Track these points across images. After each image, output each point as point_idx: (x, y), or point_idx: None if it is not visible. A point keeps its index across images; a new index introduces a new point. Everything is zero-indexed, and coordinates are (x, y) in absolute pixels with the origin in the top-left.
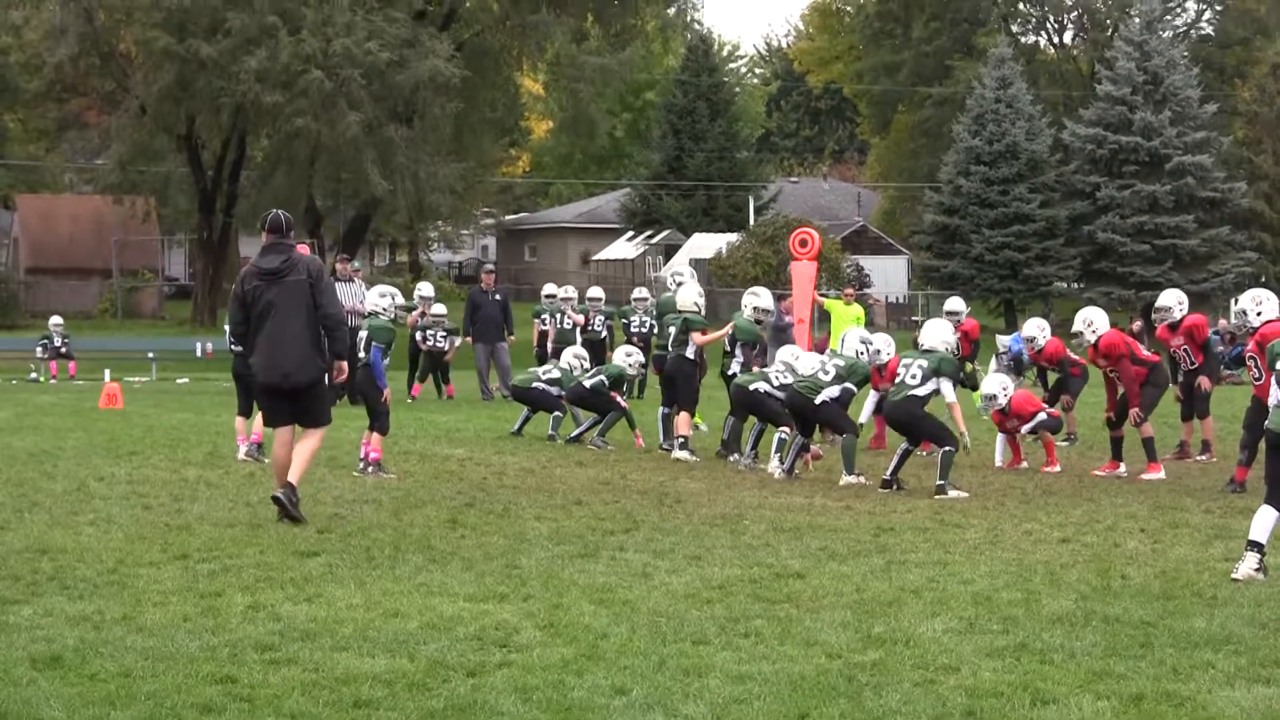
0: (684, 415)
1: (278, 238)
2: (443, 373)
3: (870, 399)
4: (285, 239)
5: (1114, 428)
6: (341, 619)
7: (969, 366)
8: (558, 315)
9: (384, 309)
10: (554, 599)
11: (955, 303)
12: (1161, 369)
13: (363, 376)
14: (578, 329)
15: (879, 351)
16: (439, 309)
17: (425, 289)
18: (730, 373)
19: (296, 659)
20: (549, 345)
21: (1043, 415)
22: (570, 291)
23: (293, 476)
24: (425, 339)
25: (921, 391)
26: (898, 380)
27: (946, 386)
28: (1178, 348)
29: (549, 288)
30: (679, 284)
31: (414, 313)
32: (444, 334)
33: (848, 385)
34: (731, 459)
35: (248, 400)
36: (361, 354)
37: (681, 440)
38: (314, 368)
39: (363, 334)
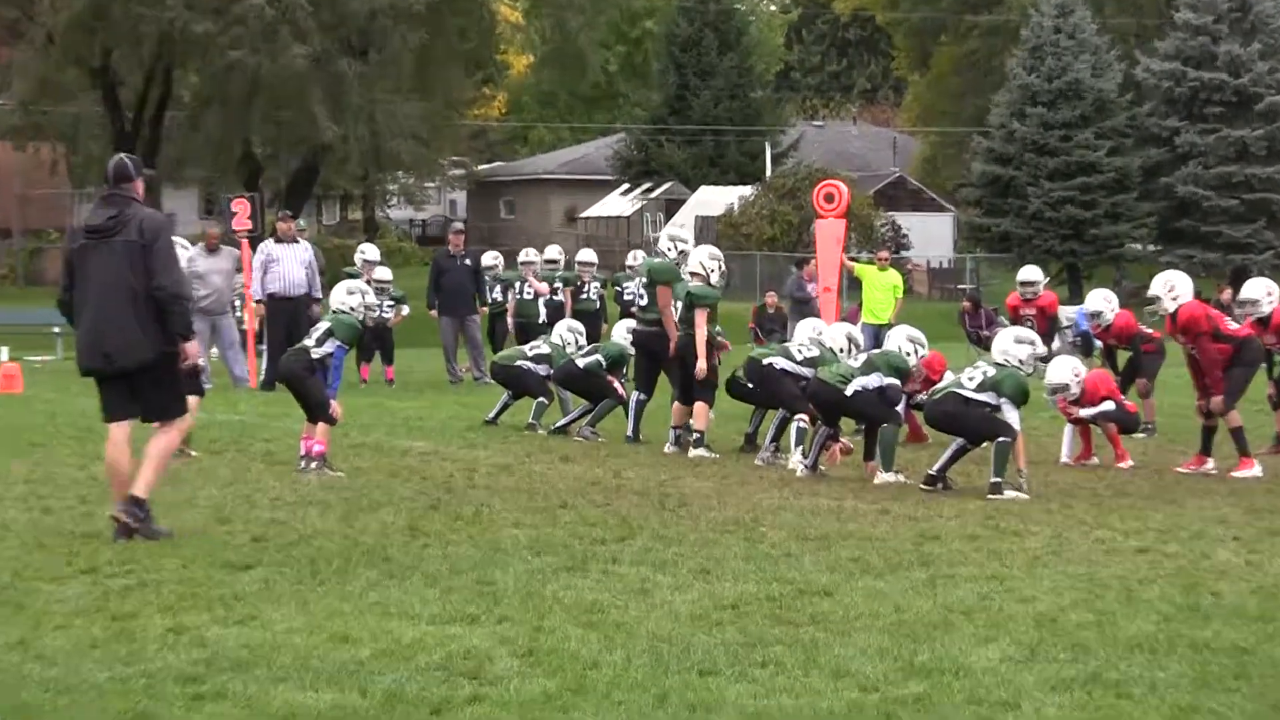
0: (701, 406)
1: (118, 187)
2: (385, 350)
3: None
4: (122, 189)
5: (1207, 416)
6: (280, 645)
7: (1045, 349)
8: (499, 286)
9: (352, 308)
10: (534, 621)
11: (1031, 271)
12: (1253, 344)
13: (293, 362)
14: (540, 300)
15: (924, 356)
16: (383, 273)
17: (369, 251)
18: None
19: (226, 692)
20: (509, 320)
21: (1109, 405)
22: (532, 255)
23: (138, 488)
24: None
25: (974, 395)
26: (950, 379)
27: (1010, 410)
28: (1273, 345)
29: (527, 253)
30: (681, 252)
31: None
32: (389, 302)
33: (893, 381)
34: (760, 457)
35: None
36: (315, 347)
37: (698, 436)
38: (144, 349)
39: (322, 325)
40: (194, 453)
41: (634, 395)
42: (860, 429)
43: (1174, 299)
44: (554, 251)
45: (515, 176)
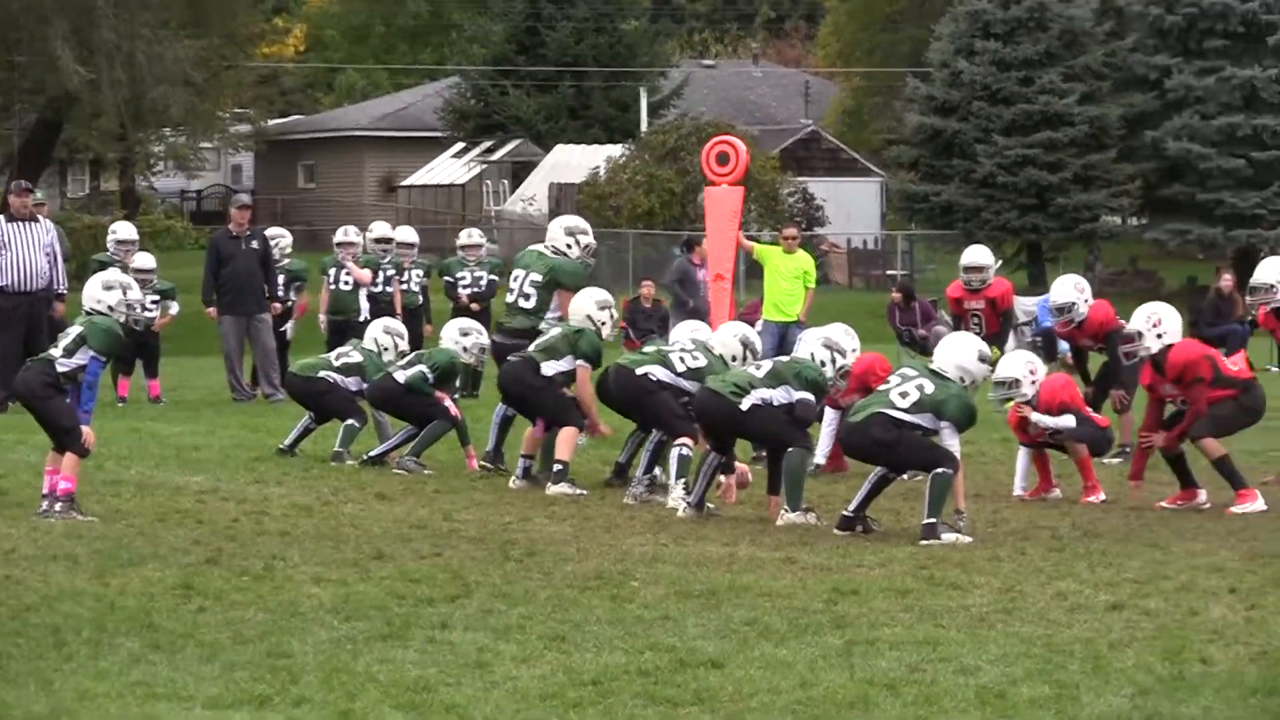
0: (568, 431)
1: None
2: (148, 360)
3: (829, 421)
4: None
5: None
6: None
7: (994, 352)
8: (332, 272)
9: (110, 307)
10: (341, 703)
11: (978, 254)
12: (1257, 392)
13: (33, 377)
14: (362, 292)
15: (845, 369)
16: (144, 260)
17: (122, 230)
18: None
19: None
20: (322, 318)
21: (1069, 420)
22: (353, 234)
23: None
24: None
25: (907, 418)
26: (877, 392)
27: (951, 437)
28: None
29: (346, 232)
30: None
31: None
32: (153, 297)
33: (805, 396)
34: (630, 492)
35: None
36: (62, 358)
37: (560, 466)
38: None
39: (72, 330)
40: None
41: (498, 408)
42: (761, 454)
43: (1159, 336)
44: (383, 229)
45: (317, 134)
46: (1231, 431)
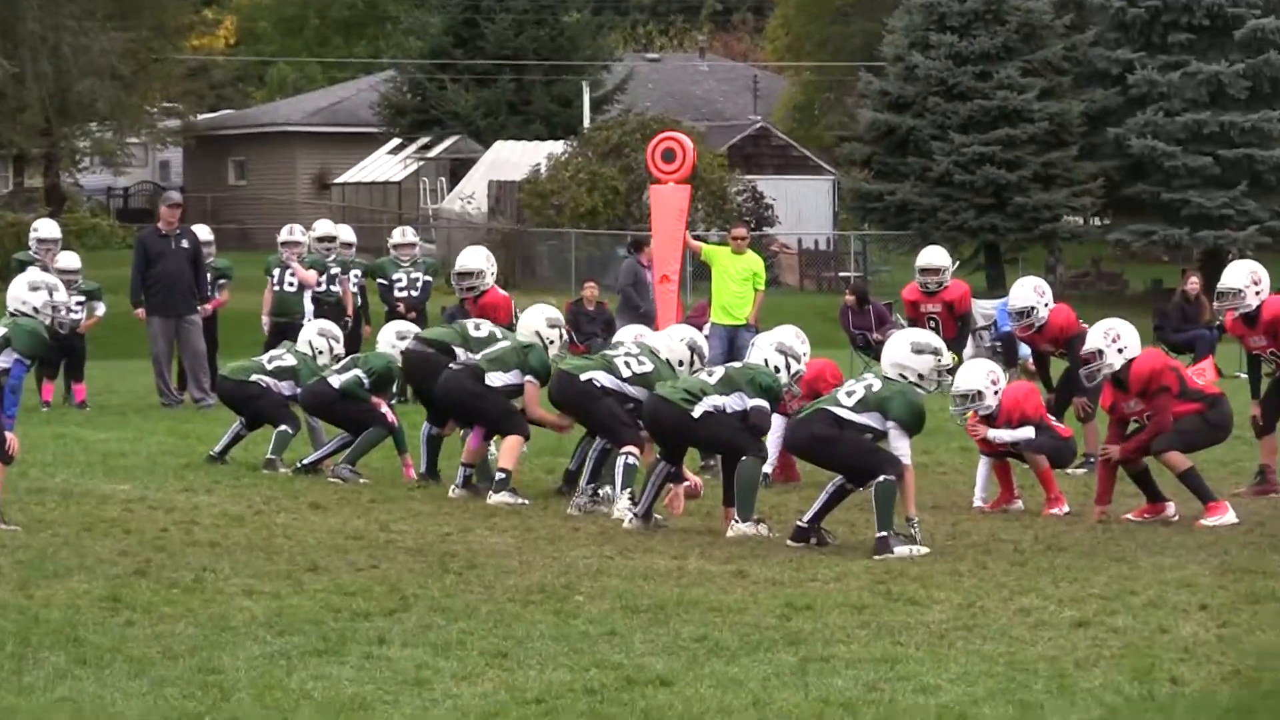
0: (512, 440)
1: None
2: (73, 363)
3: (776, 429)
4: None
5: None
6: None
7: (953, 358)
8: (276, 272)
9: (35, 309)
10: None
11: (935, 255)
12: (1223, 408)
13: None
14: (307, 293)
15: (799, 374)
16: (69, 260)
17: (44, 228)
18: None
19: None
20: (265, 319)
21: (1028, 431)
22: (298, 233)
23: None
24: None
25: (851, 417)
26: (827, 395)
27: (899, 439)
28: (1261, 349)
29: (291, 230)
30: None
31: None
32: (78, 298)
33: (759, 403)
34: (574, 503)
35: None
36: None
37: (503, 475)
38: None
39: None
40: None
41: (424, 427)
42: (712, 463)
43: (1120, 351)
44: (326, 227)
45: (249, 129)
46: (1197, 448)
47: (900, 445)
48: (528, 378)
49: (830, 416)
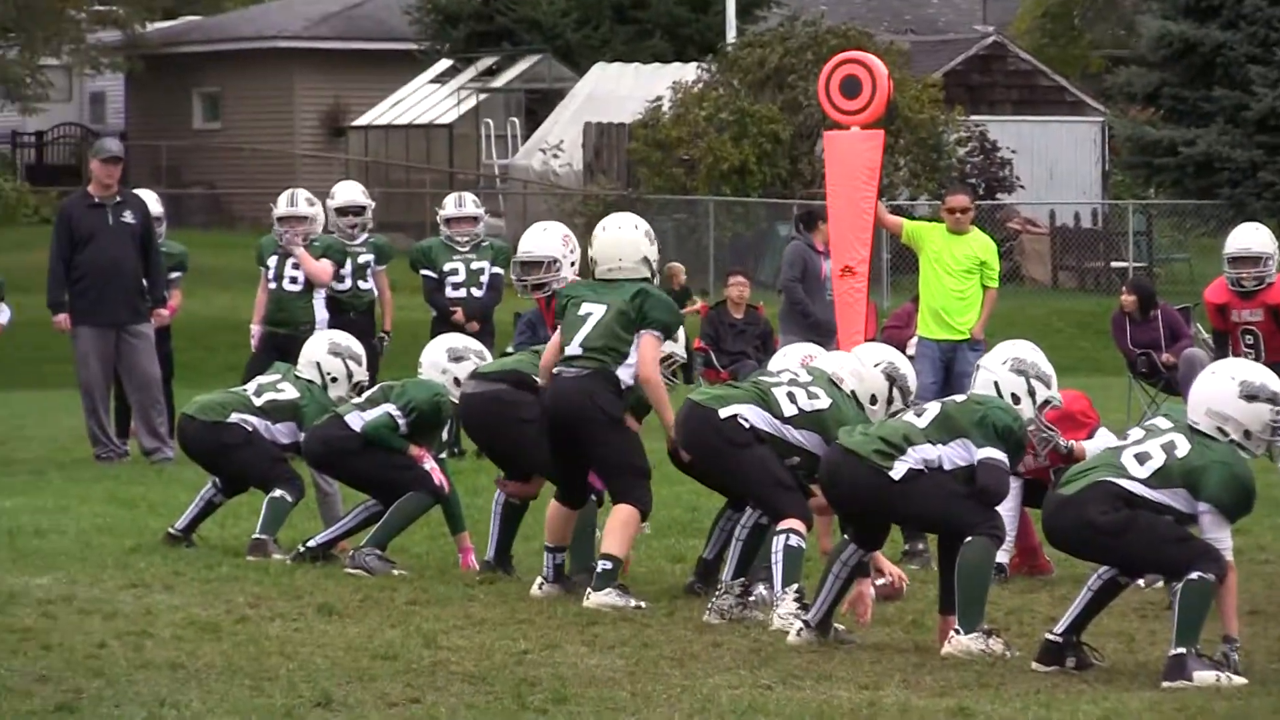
0: (624, 512)
1: None
2: None
3: (1013, 495)
4: None
5: None
6: None
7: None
8: (272, 261)
9: None
10: None
11: (1251, 237)
12: None
13: None
14: (318, 293)
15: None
16: None
17: None
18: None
19: None
20: (255, 328)
21: None
22: (302, 204)
23: None
24: None
25: (1145, 493)
26: (1095, 453)
27: (1217, 527)
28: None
29: (295, 199)
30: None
31: None
32: None
33: (991, 454)
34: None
35: None
36: None
37: (608, 565)
38: None
39: None
40: None
41: (498, 496)
42: (921, 548)
43: None
44: (351, 193)
45: (223, 45)
46: None
47: (1218, 535)
48: (647, 330)
49: (1114, 492)
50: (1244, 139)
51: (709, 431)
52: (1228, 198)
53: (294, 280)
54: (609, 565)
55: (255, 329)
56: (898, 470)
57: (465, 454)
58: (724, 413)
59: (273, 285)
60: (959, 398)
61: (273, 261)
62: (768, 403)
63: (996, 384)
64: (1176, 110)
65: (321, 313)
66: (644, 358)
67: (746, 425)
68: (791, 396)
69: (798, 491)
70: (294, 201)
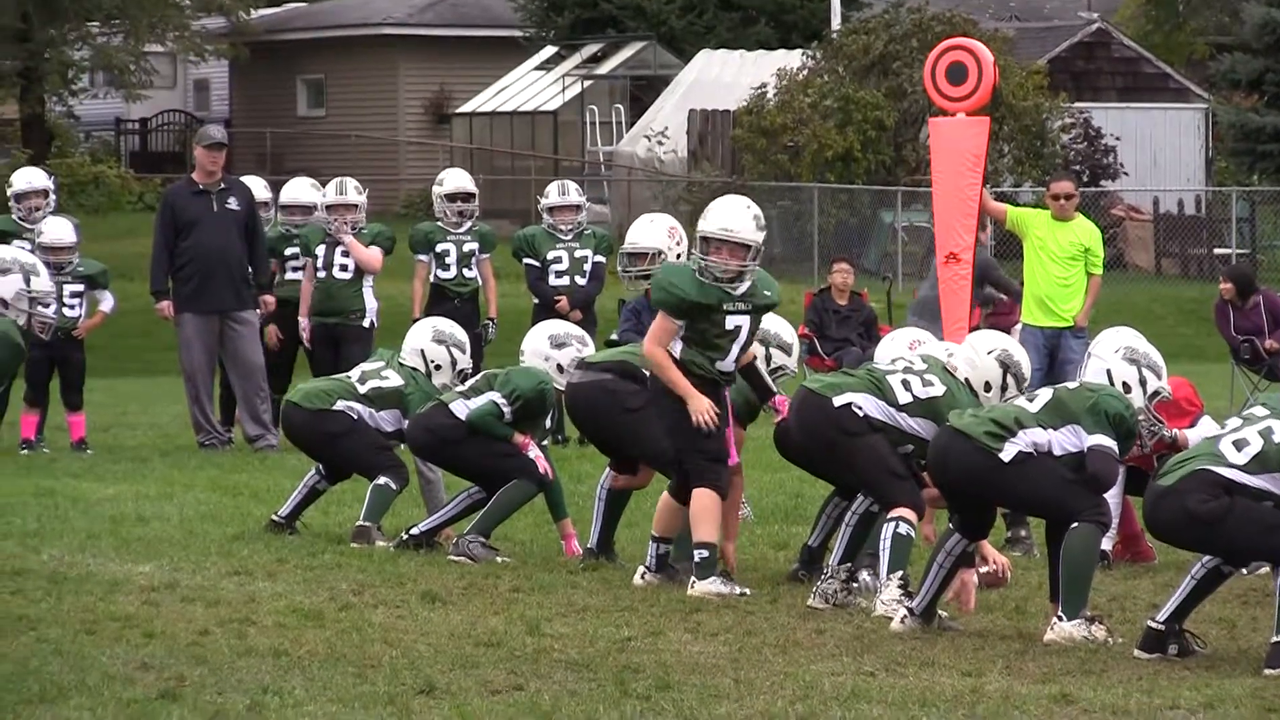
0: (707, 499)
1: None
2: (68, 383)
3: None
4: None
5: None
6: None
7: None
8: (320, 250)
9: (7, 301)
10: None
11: None
12: None
13: None
14: (367, 281)
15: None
16: (57, 230)
17: (23, 179)
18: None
19: None
20: (304, 321)
21: None
22: (352, 192)
23: None
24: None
25: (1244, 480)
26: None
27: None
28: None
29: (343, 187)
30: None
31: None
32: (72, 288)
33: (1101, 441)
34: (819, 591)
35: None
36: None
37: (704, 553)
38: None
39: None
40: None
41: (604, 476)
42: (1024, 535)
43: None
44: (460, 180)
45: (327, 32)
46: None
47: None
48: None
49: (1212, 480)
50: None
51: (823, 420)
52: None
53: (344, 269)
54: (705, 554)
55: (304, 321)
56: (1007, 452)
57: (568, 441)
58: (838, 401)
59: (321, 274)
60: (1071, 384)
61: (321, 250)
62: (882, 390)
63: (1109, 372)
64: None
65: (371, 301)
66: (652, 331)
67: (861, 414)
68: (906, 384)
69: (910, 480)
70: (343, 190)
